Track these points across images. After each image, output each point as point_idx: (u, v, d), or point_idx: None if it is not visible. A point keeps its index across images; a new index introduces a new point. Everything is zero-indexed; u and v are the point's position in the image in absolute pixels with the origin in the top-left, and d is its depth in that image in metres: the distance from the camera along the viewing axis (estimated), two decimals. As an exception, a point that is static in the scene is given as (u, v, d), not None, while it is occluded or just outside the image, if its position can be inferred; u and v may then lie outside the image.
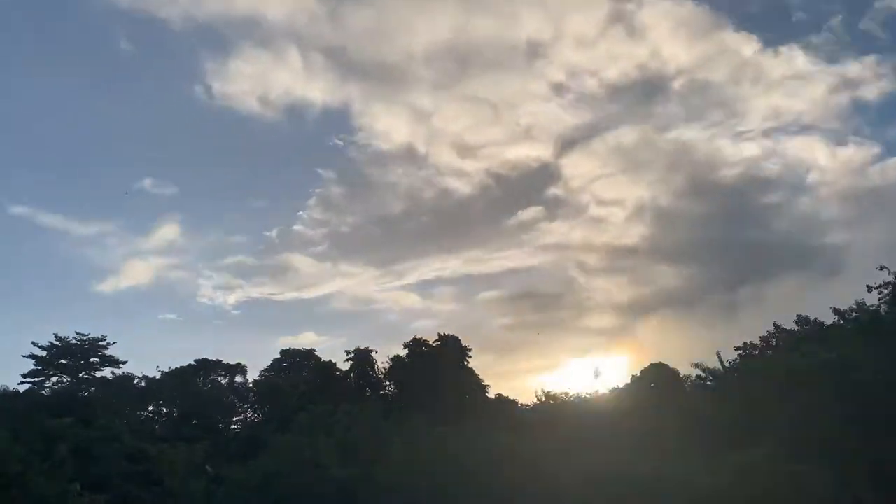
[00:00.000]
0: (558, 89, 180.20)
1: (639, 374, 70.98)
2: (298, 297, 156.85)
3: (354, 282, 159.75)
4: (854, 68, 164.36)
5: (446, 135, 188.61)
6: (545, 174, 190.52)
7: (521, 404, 79.74)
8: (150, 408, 78.67)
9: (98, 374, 77.25)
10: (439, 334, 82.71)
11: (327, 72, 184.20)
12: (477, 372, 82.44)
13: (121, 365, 78.16)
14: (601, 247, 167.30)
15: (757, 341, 64.08)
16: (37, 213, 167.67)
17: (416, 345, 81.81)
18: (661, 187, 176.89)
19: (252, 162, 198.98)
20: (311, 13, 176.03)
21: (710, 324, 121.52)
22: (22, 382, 72.82)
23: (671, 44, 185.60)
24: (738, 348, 63.04)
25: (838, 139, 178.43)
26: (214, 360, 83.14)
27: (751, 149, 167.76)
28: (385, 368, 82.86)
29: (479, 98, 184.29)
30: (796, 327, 60.66)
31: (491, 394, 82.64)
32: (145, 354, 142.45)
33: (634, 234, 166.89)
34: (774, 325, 63.30)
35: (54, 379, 74.71)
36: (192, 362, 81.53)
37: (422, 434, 46.93)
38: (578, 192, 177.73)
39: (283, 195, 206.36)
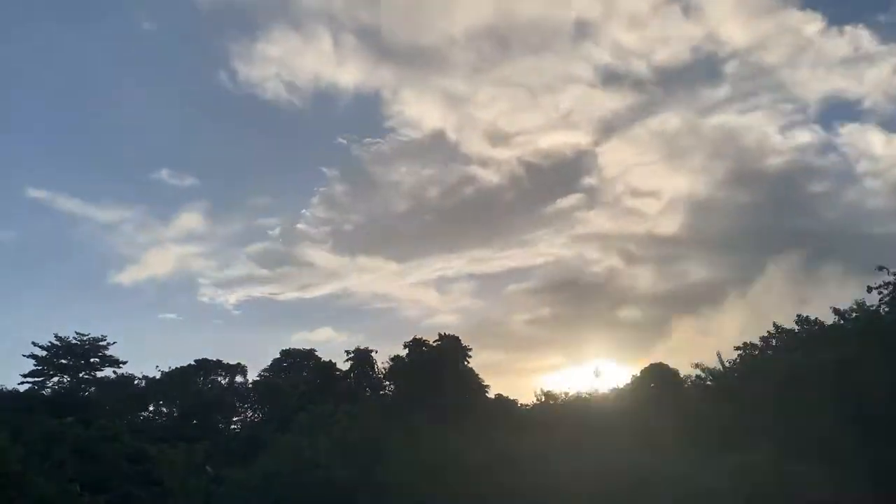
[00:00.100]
0: (603, 72, 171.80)
1: (639, 374, 70.97)
2: (316, 294, 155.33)
3: (373, 276, 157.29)
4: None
5: (479, 121, 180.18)
6: (580, 162, 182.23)
7: (521, 404, 79.76)
8: (150, 408, 78.69)
9: (98, 374, 77.25)
10: (439, 334, 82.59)
11: (359, 55, 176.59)
12: (477, 372, 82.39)
13: (121, 365, 78.19)
14: (637, 238, 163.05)
15: (757, 341, 64.05)
16: (56, 196, 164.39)
17: (416, 345, 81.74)
18: (702, 176, 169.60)
19: (275, 149, 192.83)
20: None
21: (744, 317, 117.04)
22: (22, 382, 72.84)
23: (730, 23, 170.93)
24: (738, 348, 62.92)
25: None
26: (214, 360, 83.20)
27: (802, 136, 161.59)
28: (385, 368, 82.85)
29: (517, 82, 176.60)
30: (796, 327, 60.60)
31: (491, 394, 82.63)
32: (154, 351, 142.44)
33: (672, 224, 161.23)
34: (774, 325, 63.25)
35: (54, 379, 74.67)
36: (192, 362, 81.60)
37: (422, 434, 46.92)
38: (614, 181, 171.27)
39: (304, 185, 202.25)
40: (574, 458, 41.24)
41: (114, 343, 77.69)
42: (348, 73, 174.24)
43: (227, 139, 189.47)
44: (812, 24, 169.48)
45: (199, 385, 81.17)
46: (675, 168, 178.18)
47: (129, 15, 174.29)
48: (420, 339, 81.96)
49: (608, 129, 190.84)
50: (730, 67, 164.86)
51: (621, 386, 68.46)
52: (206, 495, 45.41)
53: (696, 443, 42.09)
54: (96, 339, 76.65)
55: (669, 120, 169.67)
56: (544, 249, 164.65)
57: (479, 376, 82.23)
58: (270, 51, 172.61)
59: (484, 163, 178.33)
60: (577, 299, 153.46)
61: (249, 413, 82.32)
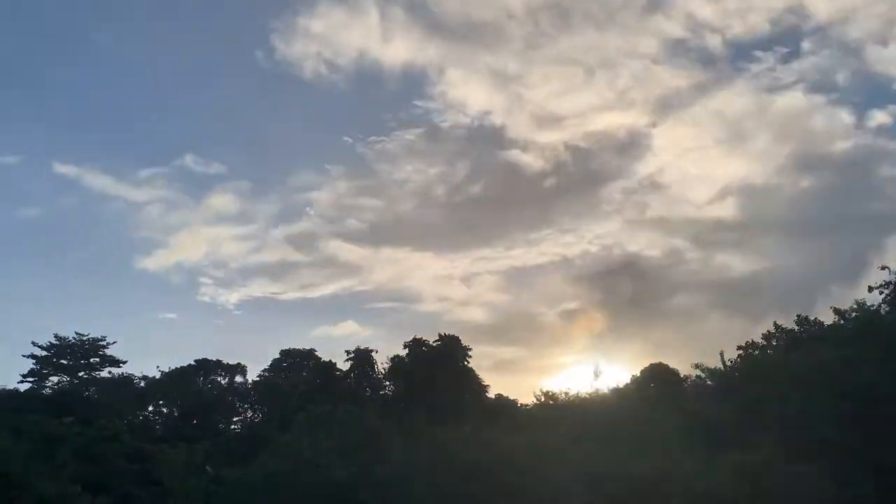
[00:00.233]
0: (670, 47, 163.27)
1: (639, 375, 71.05)
2: (341, 285, 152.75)
3: (399, 269, 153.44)
4: None
5: (528, 103, 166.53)
6: (633, 145, 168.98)
7: (521, 404, 79.83)
8: (150, 408, 78.73)
9: (98, 374, 77.29)
10: (440, 334, 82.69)
11: (407, 30, 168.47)
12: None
13: (121, 365, 78.28)
14: (690, 225, 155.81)
15: (758, 341, 64.03)
16: (84, 173, 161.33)
17: (416, 345, 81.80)
18: (763, 159, 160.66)
19: (313, 131, 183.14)
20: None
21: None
22: (22, 382, 72.97)
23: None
24: (738, 348, 62.99)
25: None
26: (214, 359, 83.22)
27: (879, 117, 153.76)
28: (385, 368, 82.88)
29: (573, 59, 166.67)
30: (796, 327, 60.58)
31: (491, 394, 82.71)
32: (162, 349, 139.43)
33: (727, 210, 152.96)
34: (775, 324, 63.26)
35: (54, 379, 74.77)
36: (193, 362, 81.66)
37: (422, 434, 46.91)
38: (669, 165, 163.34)
39: (337, 168, 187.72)
40: (574, 459, 41.22)
41: (114, 343, 77.90)
42: (394, 50, 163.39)
43: (262, 119, 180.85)
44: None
45: (199, 385, 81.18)
46: (735, 151, 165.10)
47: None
48: (420, 339, 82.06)
49: (666, 108, 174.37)
50: (808, 43, 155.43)
51: (621, 386, 68.51)
52: (206, 495, 45.38)
53: (696, 443, 42.08)
54: (96, 339, 76.81)
55: (733, 99, 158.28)
56: (585, 239, 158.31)
57: (479, 376, 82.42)
58: (313, 26, 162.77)
59: (528, 147, 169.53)
60: (619, 290, 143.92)
61: (249, 413, 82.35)
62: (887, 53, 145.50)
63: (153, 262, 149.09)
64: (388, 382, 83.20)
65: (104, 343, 76.98)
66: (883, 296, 48.98)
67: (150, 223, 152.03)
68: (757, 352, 60.41)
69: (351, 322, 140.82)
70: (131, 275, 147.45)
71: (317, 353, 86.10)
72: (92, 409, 63.19)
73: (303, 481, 42.62)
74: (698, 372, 61.46)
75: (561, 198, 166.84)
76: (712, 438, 42.35)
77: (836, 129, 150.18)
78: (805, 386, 41.07)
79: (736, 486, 35.68)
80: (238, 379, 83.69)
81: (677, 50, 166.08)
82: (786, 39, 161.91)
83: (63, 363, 75.31)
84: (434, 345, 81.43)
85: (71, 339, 75.58)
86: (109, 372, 77.76)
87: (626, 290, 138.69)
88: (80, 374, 75.96)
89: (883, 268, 49.32)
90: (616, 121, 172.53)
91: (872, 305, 49.40)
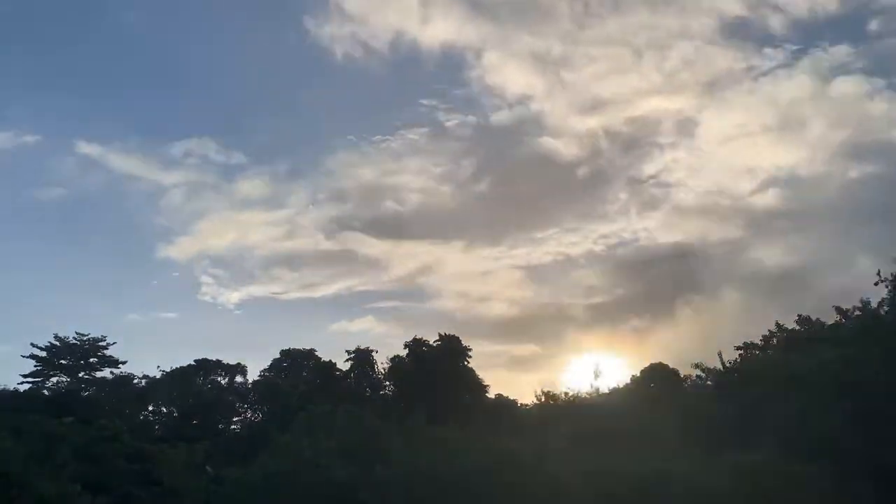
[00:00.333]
0: (728, 27, 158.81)
1: (639, 375, 71.07)
2: (358, 280, 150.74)
3: (419, 263, 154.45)
4: None
5: (570, 87, 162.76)
6: (676, 130, 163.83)
7: (521, 404, 79.93)
8: (150, 408, 78.76)
9: (98, 374, 77.34)
10: (440, 334, 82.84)
11: (448, 9, 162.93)
12: (476, 371, 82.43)
13: (120, 365, 78.31)
14: (730, 214, 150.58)
15: (757, 341, 64.10)
16: (108, 153, 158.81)
17: (416, 345, 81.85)
18: (814, 147, 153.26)
19: (347, 116, 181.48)
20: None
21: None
22: (22, 382, 73.05)
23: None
24: (738, 348, 63.07)
25: None
26: (214, 359, 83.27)
27: None
28: (385, 369, 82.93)
29: (621, 40, 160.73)
30: (797, 327, 60.62)
31: (491, 394, 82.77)
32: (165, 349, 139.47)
33: (771, 198, 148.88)
34: (776, 324, 63.32)
35: (54, 379, 74.82)
36: (193, 362, 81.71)
37: (422, 434, 46.88)
38: (712, 152, 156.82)
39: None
40: (574, 459, 41.21)
41: (114, 343, 77.98)
42: (433, 31, 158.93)
43: (292, 103, 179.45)
44: None
45: (199, 385, 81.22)
46: (784, 138, 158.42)
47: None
48: (420, 339, 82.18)
49: (714, 93, 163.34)
50: (875, 24, 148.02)
51: (621, 386, 68.54)
52: (206, 495, 45.38)
53: (696, 443, 42.06)
54: (96, 339, 76.97)
55: (788, 83, 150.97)
56: (618, 230, 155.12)
57: (479, 376, 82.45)
58: (348, 5, 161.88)
59: (565, 134, 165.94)
60: (654, 283, 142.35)
61: (249, 413, 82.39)
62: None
63: (176, 251, 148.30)
64: (388, 382, 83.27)
65: (104, 343, 77.08)
66: (888, 289, 48.76)
67: (173, 208, 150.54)
68: (757, 352, 60.48)
69: (370, 317, 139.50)
70: (151, 265, 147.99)
71: (317, 353, 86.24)
72: (92, 409, 63.23)
73: (303, 481, 42.59)
74: (698, 372, 61.54)
75: (595, 187, 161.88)
76: (712, 438, 42.31)
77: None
78: (805, 386, 41.04)
79: (736, 486, 35.65)
80: (238, 379, 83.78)
81: (734, 30, 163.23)
82: (853, 20, 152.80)
83: (63, 363, 75.38)
84: (434, 345, 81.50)
85: (71, 339, 75.67)
86: (112, 373, 77.85)
87: (661, 282, 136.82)
88: (80, 374, 76.00)
89: (880, 275, 49.02)
90: (661, 105, 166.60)
91: (875, 304, 49.36)
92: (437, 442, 44.81)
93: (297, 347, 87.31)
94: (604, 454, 40.99)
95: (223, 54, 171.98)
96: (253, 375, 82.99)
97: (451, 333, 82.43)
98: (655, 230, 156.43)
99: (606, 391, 67.05)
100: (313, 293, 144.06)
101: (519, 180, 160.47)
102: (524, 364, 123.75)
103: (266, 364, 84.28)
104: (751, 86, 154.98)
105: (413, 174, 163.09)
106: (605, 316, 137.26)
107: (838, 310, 52.36)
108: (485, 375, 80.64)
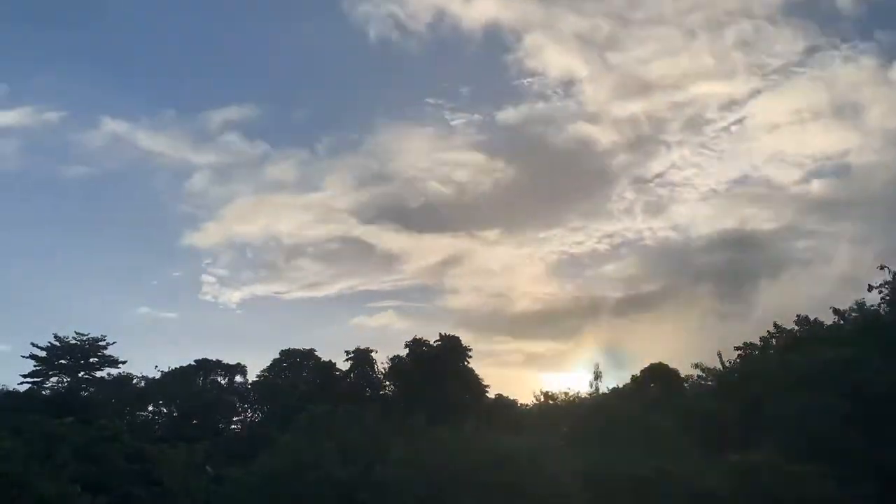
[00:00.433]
0: (791, 8, 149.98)
1: (639, 375, 71.02)
2: (373, 277, 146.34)
3: (439, 256, 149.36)
4: None
5: (615, 70, 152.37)
6: (724, 116, 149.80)
7: (521, 404, 79.96)
8: (150, 408, 78.72)
9: (98, 374, 77.31)
10: (440, 334, 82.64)
11: None
12: (477, 372, 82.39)
13: (120, 365, 78.26)
14: (780, 202, 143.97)
15: (757, 341, 64.10)
16: (135, 131, 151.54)
17: (416, 345, 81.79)
18: (870, 133, 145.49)
19: (382, 97, 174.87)
20: None
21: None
22: (22, 382, 72.97)
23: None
24: (738, 348, 63.05)
25: None
26: (214, 359, 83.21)
27: None
28: (385, 368, 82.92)
29: (673, 20, 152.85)
30: (796, 327, 60.63)
31: (491, 394, 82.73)
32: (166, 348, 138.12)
33: (823, 186, 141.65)
34: (775, 324, 63.31)
35: (54, 379, 74.78)
36: (193, 362, 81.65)
37: (422, 434, 46.91)
38: (762, 138, 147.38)
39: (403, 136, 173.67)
40: (574, 459, 41.23)
41: (113, 343, 77.89)
42: (475, 11, 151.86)
43: (328, 83, 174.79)
44: None
45: (199, 385, 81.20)
46: (838, 124, 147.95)
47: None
48: (420, 339, 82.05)
49: (769, 76, 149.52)
50: None
51: (621, 386, 68.58)
52: (206, 495, 45.41)
53: (696, 443, 42.09)
54: (95, 339, 76.74)
55: (846, 66, 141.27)
56: (657, 220, 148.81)
57: (479, 376, 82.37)
58: None
59: (604, 120, 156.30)
60: (693, 275, 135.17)
61: (249, 413, 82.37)
62: None
63: (200, 238, 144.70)
64: (388, 382, 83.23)
65: (104, 343, 77.03)
66: (882, 295, 49.06)
67: (201, 192, 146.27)
68: (756, 352, 60.53)
69: (391, 312, 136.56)
70: (176, 250, 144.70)
71: (317, 353, 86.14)
72: (92, 409, 63.18)
73: (303, 481, 42.62)
74: (698, 372, 61.62)
75: (633, 174, 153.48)
76: (712, 438, 42.36)
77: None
78: (805, 386, 41.10)
79: (736, 486, 35.68)
80: (238, 379, 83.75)
81: (796, 8, 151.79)
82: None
83: (63, 363, 75.33)
84: (434, 345, 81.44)
85: (71, 339, 75.62)
86: (109, 374, 77.80)
87: (702, 274, 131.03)
88: (80, 374, 75.96)
89: (882, 267, 49.41)
90: (711, 89, 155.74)
91: (872, 305, 49.55)
92: (437, 442, 44.85)
93: (296, 347, 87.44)
94: (604, 454, 41.03)
95: (258, 33, 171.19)
96: (253, 376, 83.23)
97: (451, 334, 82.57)
98: (696, 219, 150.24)
99: (606, 391, 67.29)
100: (330, 289, 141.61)
101: (553, 170, 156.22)
102: (551, 361, 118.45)
103: (268, 364, 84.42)
104: (808, 69, 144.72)
105: (445, 164, 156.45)
106: (639, 309, 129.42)
107: (836, 311, 52.47)
108: (502, 373, 78.94)
